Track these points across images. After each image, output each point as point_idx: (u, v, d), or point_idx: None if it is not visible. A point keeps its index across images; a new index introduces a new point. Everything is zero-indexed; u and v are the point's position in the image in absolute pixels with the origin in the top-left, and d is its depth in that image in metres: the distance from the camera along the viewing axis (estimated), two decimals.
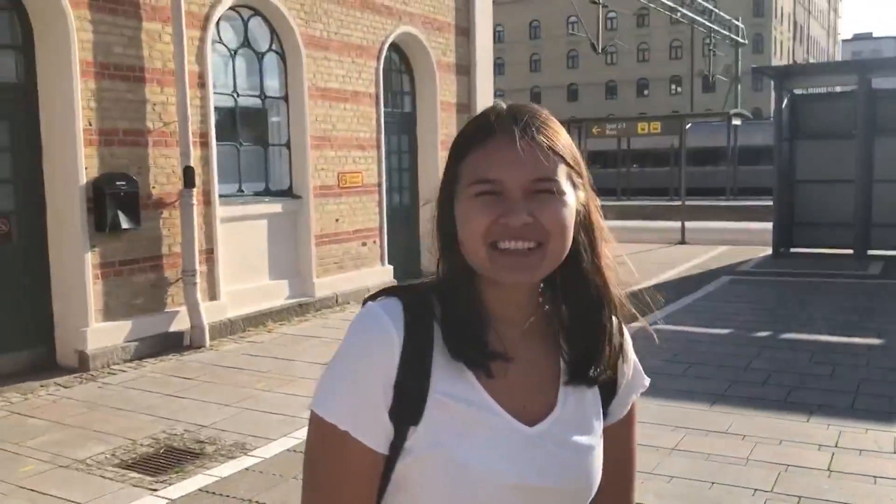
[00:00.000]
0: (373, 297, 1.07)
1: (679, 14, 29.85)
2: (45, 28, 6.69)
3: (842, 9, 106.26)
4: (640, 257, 13.93)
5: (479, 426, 1.00)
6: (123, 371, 6.83)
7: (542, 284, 1.08)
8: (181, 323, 7.64)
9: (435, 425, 0.99)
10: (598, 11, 24.76)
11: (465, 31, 12.06)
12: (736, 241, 15.75)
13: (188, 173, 7.59)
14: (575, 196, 1.04)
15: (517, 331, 1.06)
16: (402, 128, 11.28)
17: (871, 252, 12.71)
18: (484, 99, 12.38)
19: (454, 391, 1.01)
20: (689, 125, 27.02)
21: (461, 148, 1.05)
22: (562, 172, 1.02)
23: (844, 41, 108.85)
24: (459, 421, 1.00)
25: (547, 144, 1.01)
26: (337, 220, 9.74)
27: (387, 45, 10.45)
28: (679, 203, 17.99)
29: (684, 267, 12.72)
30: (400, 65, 11.27)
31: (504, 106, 1.06)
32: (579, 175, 1.06)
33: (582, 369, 1.08)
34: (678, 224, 16.59)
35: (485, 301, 1.05)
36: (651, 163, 33.14)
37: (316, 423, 1.00)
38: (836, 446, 4.64)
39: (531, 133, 1.00)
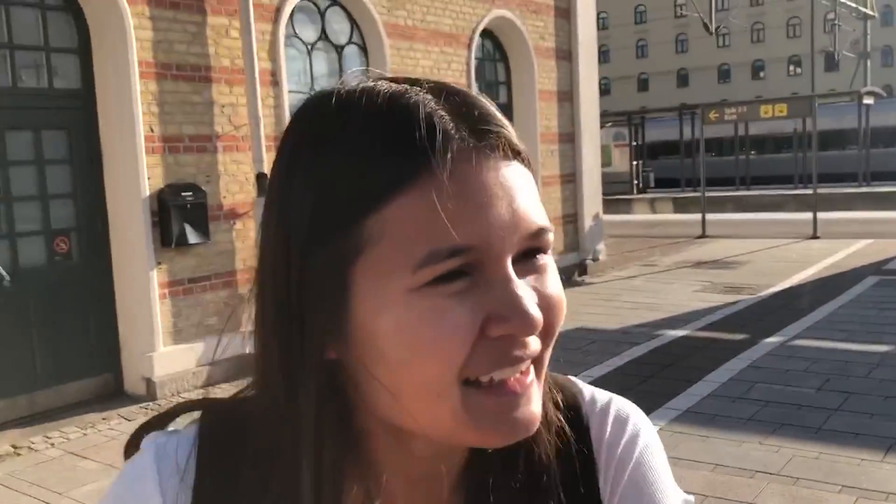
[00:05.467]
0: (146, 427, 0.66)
1: None
2: (102, 27, 6.16)
3: None
4: (768, 255, 12.55)
5: None
6: None
7: None
8: None
9: None
10: None
11: (565, 13, 11.04)
12: (877, 234, 14.04)
13: (261, 180, 6.95)
14: None
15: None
16: None
17: None
18: (588, 86, 11.33)
19: None
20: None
21: (371, 189, 0.53)
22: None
23: None
24: None
25: (523, 156, 0.57)
26: None
27: (478, 32, 9.57)
28: (809, 192, 16.30)
29: (820, 266, 11.26)
30: (493, 53, 10.36)
31: (417, 89, 0.55)
32: None
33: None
34: (808, 216, 14.95)
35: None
36: (771, 149, 31.10)
37: None
38: None
39: (499, 139, 0.55)
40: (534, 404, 0.57)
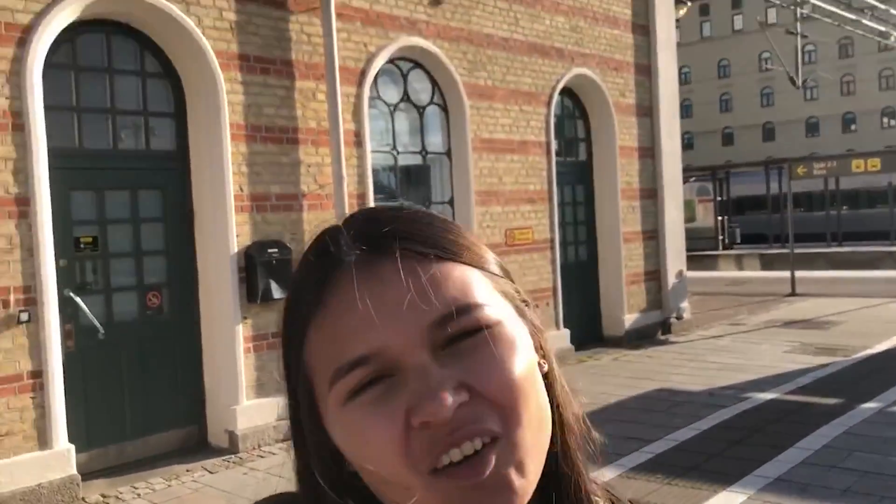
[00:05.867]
0: None
1: (892, 38, 26.88)
2: (196, 92, 6.49)
3: None
4: (863, 315, 12.00)
5: None
6: (273, 454, 6.32)
7: None
8: None
9: None
10: (797, 42, 22.72)
11: (645, 70, 11.03)
12: None
13: None
14: (521, 319, 0.61)
15: None
16: (576, 177, 10.37)
17: None
18: (670, 142, 11.24)
19: None
20: None
21: (295, 323, 0.60)
22: (481, 286, 0.59)
23: None
24: None
25: (431, 251, 0.58)
26: None
27: (558, 90, 9.64)
28: None
29: None
30: (573, 110, 10.41)
31: (335, 225, 0.63)
32: (511, 280, 0.63)
33: None
34: None
35: None
36: (864, 204, 29.99)
37: None
38: None
39: (391, 244, 0.58)
40: (508, 491, 0.55)
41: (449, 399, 0.53)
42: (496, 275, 0.61)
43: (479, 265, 0.60)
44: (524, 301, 0.63)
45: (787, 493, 4.78)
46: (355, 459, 0.58)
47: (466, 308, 0.56)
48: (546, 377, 0.62)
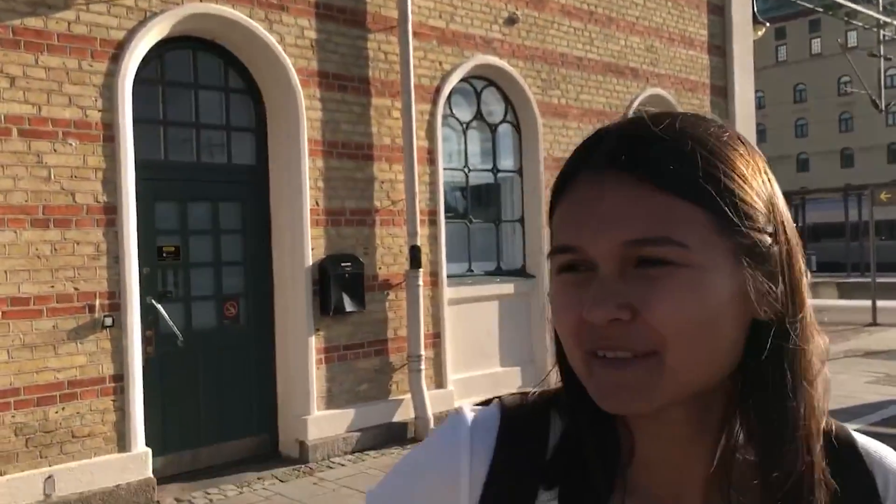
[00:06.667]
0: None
1: None
2: (277, 108, 6.65)
3: None
4: None
5: None
6: (342, 465, 6.36)
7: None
8: (405, 413, 7.10)
9: None
10: (880, 65, 22.05)
11: (721, 91, 10.85)
12: None
13: (414, 253, 7.15)
14: (731, 266, 0.63)
15: (689, 482, 0.69)
16: None
17: None
18: None
19: None
20: None
21: (553, 196, 0.72)
22: (695, 227, 0.62)
23: None
24: None
25: (662, 181, 0.63)
26: None
27: (632, 110, 9.55)
28: None
29: None
30: None
31: (605, 129, 0.70)
32: (757, 228, 0.65)
33: None
34: None
35: (625, 432, 0.71)
36: None
37: None
38: None
39: (633, 160, 0.64)
40: (635, 387, 0.63)
41: (607, 310, 0.62)
42: (746, 221, 0.64)
43: (714, 203, 0.63)
44: (768, 249, 0.66)
45: None
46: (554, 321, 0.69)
47: (660, 240, 0.62)
48: (776, 337, 0.66)
